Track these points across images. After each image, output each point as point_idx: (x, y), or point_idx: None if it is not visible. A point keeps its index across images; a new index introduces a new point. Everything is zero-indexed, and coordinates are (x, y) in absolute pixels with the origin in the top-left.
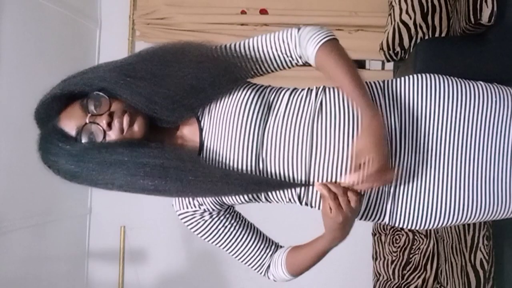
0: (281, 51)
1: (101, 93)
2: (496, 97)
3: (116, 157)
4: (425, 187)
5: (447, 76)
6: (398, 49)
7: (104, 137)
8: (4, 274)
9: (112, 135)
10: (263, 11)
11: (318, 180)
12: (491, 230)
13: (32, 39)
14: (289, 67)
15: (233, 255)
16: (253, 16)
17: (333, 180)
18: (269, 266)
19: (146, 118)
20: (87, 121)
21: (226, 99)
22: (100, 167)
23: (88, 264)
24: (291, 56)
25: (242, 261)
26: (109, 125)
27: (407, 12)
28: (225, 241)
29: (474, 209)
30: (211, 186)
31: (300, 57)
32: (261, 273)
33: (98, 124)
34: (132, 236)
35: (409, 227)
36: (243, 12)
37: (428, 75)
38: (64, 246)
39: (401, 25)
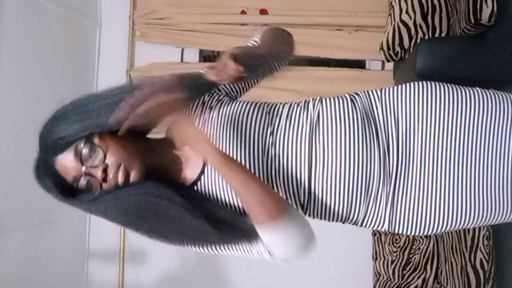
0: None
1: (95, 143)
2: (492, 103)
3: (102, 206)
4: (422, 193)
5: (443, 83)
6: (398, 49)
7: (101, 188)
8: (4, 274)
9: (107, 187)
10: (263, 11)
11: (319, 192)
12: (491, 230)
13: (32, 39)
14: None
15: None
16: (253, 16)
17: (335, 190)
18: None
19: (143, 164)
20: (83, 172)
21: (225, 110)
22: (88, 210)
23: (88, 264)
24: None
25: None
26: (104, 179)
27: (407, 12)
28: None
29: (472, 214)
30: (180, 239)
31: None
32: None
33: (94, 176)
34: (132, 236)
35: (408, 233)
36: (243, 12)
37: (424, 82)
38: (64, 246)
39: (401, 25)
